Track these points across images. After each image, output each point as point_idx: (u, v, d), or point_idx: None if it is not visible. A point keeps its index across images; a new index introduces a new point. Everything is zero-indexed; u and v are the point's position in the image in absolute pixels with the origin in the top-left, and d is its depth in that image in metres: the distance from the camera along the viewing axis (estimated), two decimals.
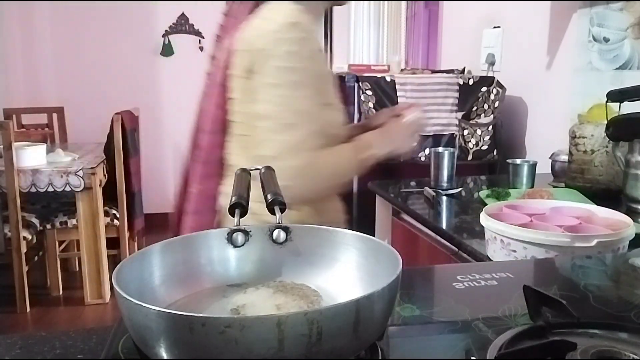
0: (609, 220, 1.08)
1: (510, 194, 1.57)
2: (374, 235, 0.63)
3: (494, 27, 2.55)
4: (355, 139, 1.14)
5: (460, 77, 2.31)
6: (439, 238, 1.47)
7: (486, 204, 1.27)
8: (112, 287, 0.62)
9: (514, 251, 1.02)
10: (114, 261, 3.21)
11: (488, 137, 2.33)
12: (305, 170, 1.04)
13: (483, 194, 1.62)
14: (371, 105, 2.24)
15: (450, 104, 2.29)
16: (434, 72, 2.60)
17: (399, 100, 2.26)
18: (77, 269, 3.54)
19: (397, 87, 2.27)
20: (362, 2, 4.23)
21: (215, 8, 5.02)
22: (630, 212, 1.44)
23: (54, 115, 3.94)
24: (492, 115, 2.32)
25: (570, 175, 1.70)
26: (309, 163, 1.03)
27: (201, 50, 4.62)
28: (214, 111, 1.16)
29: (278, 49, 1.03)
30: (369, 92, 2.24)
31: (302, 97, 1.03)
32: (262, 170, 0.79)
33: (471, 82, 2.30)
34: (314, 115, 1.04)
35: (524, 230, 1.02)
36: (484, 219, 1.10)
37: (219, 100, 1.14)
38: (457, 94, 2.29)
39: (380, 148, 1.12)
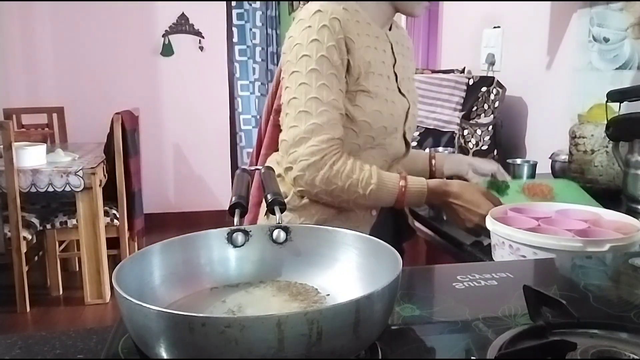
0: (617, 224, 1.06)
1: (509, 186, 1.56)
2: None
3: (494, 27, 2.55)
4: (401, 173, 1.15)
5: (471, 78, 2.31)
6: (439, 238, 1.47)
7: None
8: (112, 287, 0.62)
9: (524, 256, 1.00)
10: (114, 261, 3.21)
11: (488, 137, 2.33)
12: (314, 160, 1.03)
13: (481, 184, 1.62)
14: None
15: (455, 102, 2.29)
16: (433, 72, 2.61)
17: None
18: (77, 269, 3.54)
19: None
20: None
21: (215, 8, 5.06)
22: (630, 212, 1.44)
23: (54, 115, 3.94)
24: (492, 115, 2.32)
25: (570, 176, 1.69)
26: (319, 153, 1.03)
27: (201, 50, 4.62)
28: (269, 101, 1.27)
29: (301, 36, 1.05)
30: None
31: (319, 86, 1.03)
32: (262, 170, 0.79)
33: (471, 82, 2.30)
34: (332, 104, 1.04)
35: (534, 235, 0.99)
36: (491, 223, 1.06)
37: (274, 90, 1.25)
38: (463, 94, 2.29)
39: (416, 201, 1.14)
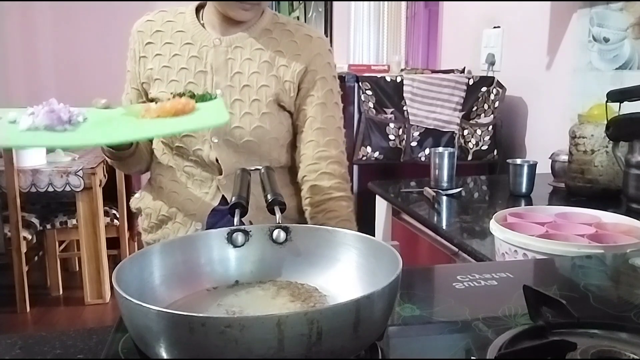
0: (620, 227, 1.05)
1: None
2: (374, 235, 0.63)
3: (494, 27, 2.55)
4: None
5: (471, 78, 2.31)
6: (439, 238, 1.47)
7: None
8: (112, 287, 0.62)
9: None
10: (114, 261, 3.21)
11: (488, 137, 2.33)
12: None
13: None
14: (371, 105, 2.24)
15: (455, 102, 2.29)
16: (434, 72, 2.61)
17: (404, 95, 2.27)
18: (77, 269, 3.54)
19: (404, 80, 2.28)
20: (362, 2, 4.23)
21: None
22: (630, 212, 1.44)
23: None
24: (492, 115, 2.32)
25: (570, 175, 1.70)
26: None
27: None
28: None
29: None
30: (369, 92, 2.24)
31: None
32: (262, 171, 0.79)
33: (471, 82, 2.30)
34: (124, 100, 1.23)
35: (553, 243, 0.96)
36: (501, 231, 1.03)
37: None
38: (463, 94, 2.30)
39: None
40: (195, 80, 1.12)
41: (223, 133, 1.11)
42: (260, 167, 0.80)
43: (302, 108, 1.16)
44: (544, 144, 2.18)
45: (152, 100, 1.13)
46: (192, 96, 0.97)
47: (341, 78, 2.29)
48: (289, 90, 1.14)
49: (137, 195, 1.31)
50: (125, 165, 1.18)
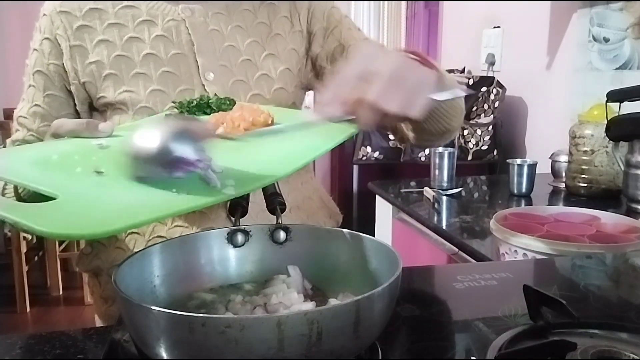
0: (620, 227, 1.06)
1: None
2: (374, 235, 0.63)
3: (494, 27, 2.55)
4: None
5: (471, 78, 2.31)
6: (439, 238, 1.47)
7: None
8: None
9: None
10: None
11: (488, 137, 2.33)
12: None
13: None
14: None
15: None
16: None
17: None
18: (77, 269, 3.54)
19: None
20: (362, 2, 4.23)
21: None
22: (630, 212, 1.44)
23: None
24: (492, 115, 2.33)
25: (570, 175, 1.70)
26: None
27: None
28: None
29: None
30: None
31: (27, 89, 0.95)
32: None
33: (471, 82, 2.30)
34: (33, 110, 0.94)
35: (553, 243, 0.97)
36: (501, 231, 1.03)
37: None
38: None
39: None
40: (171, 68, 0.85)
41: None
42: None
43: (328, 48, 0.93)
44: (544, 144, 2.18)
45: (104, 107, 0.88)
46: (205, 106, 0.75)
47: None
48: (301, 43, 0.92)
49: (85, 249, 0.95)
50: None
